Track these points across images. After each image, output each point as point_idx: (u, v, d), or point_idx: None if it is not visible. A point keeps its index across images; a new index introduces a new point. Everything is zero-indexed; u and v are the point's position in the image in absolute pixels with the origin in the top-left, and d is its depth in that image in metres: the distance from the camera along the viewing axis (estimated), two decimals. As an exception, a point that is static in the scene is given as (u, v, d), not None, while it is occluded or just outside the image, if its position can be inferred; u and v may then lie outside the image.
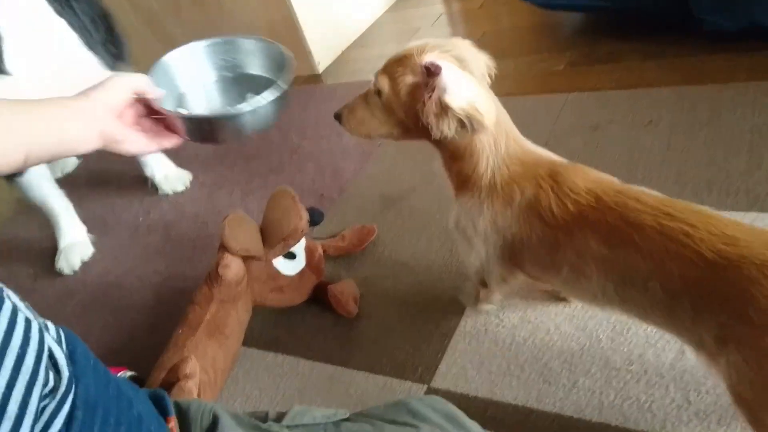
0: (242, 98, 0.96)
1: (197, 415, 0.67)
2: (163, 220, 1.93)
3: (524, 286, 1.16)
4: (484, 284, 1.13)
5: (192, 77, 1.07)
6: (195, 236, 1.82)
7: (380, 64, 0.98)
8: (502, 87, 0.97)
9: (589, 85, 1.76)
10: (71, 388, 0.48)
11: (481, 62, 0.95)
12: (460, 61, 0.92)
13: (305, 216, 1.31)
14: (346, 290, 1.35)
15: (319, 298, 1.39)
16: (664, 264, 0.78)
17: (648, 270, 0.80)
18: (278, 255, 1.33)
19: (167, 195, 2.04)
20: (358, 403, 1.14)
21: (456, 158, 0.97)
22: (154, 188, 2.07)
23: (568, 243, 0.88)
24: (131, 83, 0.85)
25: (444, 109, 0.85)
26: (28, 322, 0.47)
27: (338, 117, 1.05)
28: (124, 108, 0.84)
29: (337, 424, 0.70)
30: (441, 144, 0.97)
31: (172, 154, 2.10)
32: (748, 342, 0.72)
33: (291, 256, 1.36)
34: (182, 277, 1.68)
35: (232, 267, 1.26)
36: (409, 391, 1.13)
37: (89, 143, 0.81)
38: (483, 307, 1.22)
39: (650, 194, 0.85)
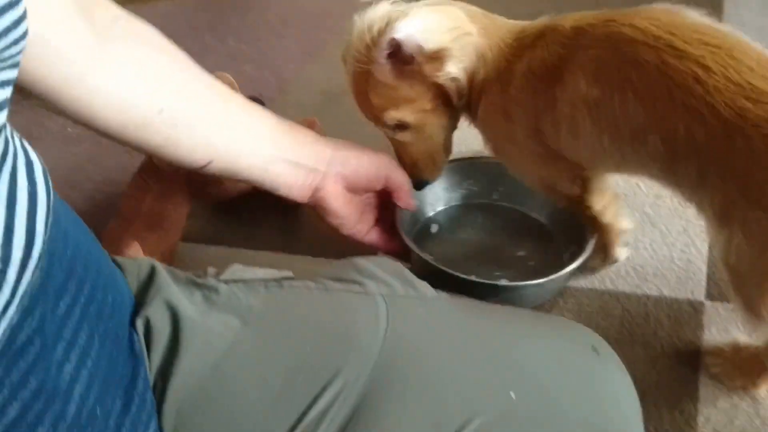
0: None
1: (134, 269, 0.64)
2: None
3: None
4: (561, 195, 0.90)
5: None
6: (129, 143, 1.74)
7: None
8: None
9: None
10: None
11: None
12: None
13: (243, 102, 1.25)
14: (287, 178, 1.31)
15: (261, 191, 1.35)
16: (666, 115, 0.65)
17: (647, 120, 0.67)
18: (215, 145, 1.28)
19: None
20: (303, 285, 1.13)
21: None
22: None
23: (563, 94, 0.74)
24: (390, 172, 0.86)
25: (434, 56, 0.76)
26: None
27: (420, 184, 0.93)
28: (362, 189, 0.86)
29: (279, 281, 0.67)
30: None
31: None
32: (756, 226, 0.63)
33: (229, 146, 1.31)
34: (117, 183, 1.61)
35: (167, 155, 1.20)
36: (355, 270, 1.12)
37: (295, 193, 0.84)
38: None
39: (653, 16, 0.68)
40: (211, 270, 0.71)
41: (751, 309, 0.68)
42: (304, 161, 0.81)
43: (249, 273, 0.68)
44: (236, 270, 0.68)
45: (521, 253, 0.99)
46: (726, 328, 0.84)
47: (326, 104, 1.58)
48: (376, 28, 0.76)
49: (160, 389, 0.56)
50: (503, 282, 0.86)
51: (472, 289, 0.88)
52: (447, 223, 1.06)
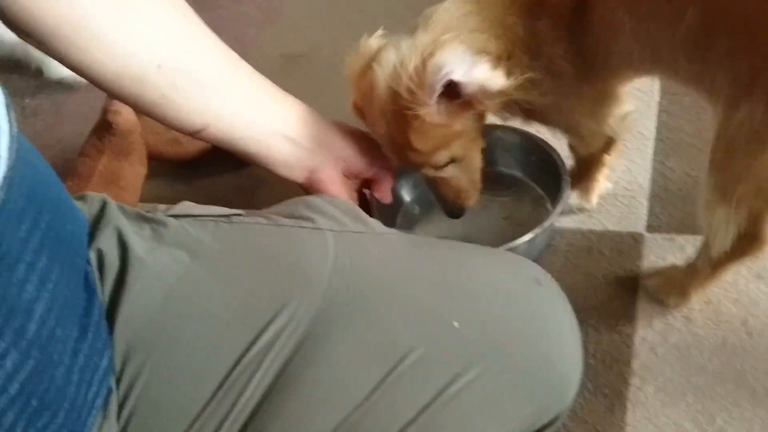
0: None
1: (86, 204, 0.63)
2: (51, 99, 1.82)
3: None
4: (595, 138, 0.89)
5: None
6: (87, 111, 1.73)
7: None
8: None
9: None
10: None
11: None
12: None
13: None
14: (245, 136, 1.32)
15: (220, 150, 1.35)
16: None
17: None
18: (171, 103, 1.28)
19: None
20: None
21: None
22: (38, 71, 1.93)
23: (594, 12, 0.73)
24: (383, 162, 0.83)
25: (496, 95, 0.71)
26: None
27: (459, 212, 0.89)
28: (354, 175, 0.83)
29: (229, 217, 0.66)
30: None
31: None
32: None
33: (186, 106, 1.31)
34: (75, 149, 1.60)
35: (122, 113, 1.20)
36: (312, 221, 1.13)
37: (294, 173, 0.80)
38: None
39: None
40: (161, 207, 0.70)
41: (723, 191, 0.70)
42: (305, 142, 0.78)
43: (198, 209, 0.68)
44: (186, 206, 0.68)
45: (504, 215, 1.00)
46: (663, 256, 0.88)
47: (285, 67, 1.59)
48: (412, 70, 0.69)
49: (109, 321, 0.56)
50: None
51: None
52: (428, 203, 1.02)
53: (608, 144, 0.89)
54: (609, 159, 0.92)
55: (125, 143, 1.25)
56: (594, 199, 0.97)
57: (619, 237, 0.92)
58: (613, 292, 0.85)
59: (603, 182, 0.96)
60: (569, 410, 0.74)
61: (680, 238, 0.89)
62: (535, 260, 0.92)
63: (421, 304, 0.60)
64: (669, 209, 0.93)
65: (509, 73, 0.72)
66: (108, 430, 0.53)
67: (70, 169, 1.27)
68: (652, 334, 0.80)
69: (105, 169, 1.22)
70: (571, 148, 0.92)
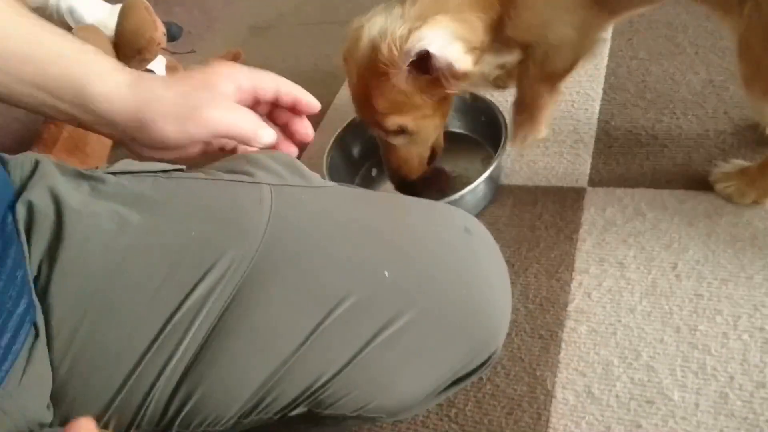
0: None
1: (17, 164, 0.62)
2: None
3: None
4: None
5: None
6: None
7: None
8: None
9: None
10: None
11: None
12: None
13: (161, 27, 1.27)
14: (208, 103, 1.33)
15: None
16: None
17: None
18: (138, 69, 1.29)
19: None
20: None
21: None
22: None
23: None
24: (278, 83, 0.69)
25: (460, 76, 0.79)
26: None
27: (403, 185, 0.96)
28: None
29: (168, 172, 0.65)
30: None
31: None
32: None
33: (151, 72, 1.33)
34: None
35: (85, 80, 1.22)
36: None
37: (116, 105, 0.59)
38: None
39: None
40: (102, 165, 0.68)
41: (762, 88, 0.76)
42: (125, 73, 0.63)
43: (137, 165, 0.65)
44: (126, 163, 0.66)
45: (456, 172, 1.04)
46: (603, 208, 0.91)
47: (252, 38, 1.61)
48: (398, 34, 0.77)
49: (46, 274, 0.55)
50: None
51: None
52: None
53: (573, 64, 0.90)
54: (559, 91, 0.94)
55: (90, 111, 1.26)
56: (544, 129, 0.98)
57: (563, 191, 0.96)
58: (554, 242, 0.89)
59: (549, 112, 0.97)
60: (505, 351, 0.79)
61: (619, 191, 0.92)
62: (480, 212, 0.97)
63: (354, 254, 0.61)
64: (611, 165, 0.97)
65: (477, 62, 0.80)
66: (35, 376, 0.53)
67: (35, 135, 1.28)
68: (587, 279, 0.84)
69: (70, 136, 1.23)
70: (528, 65, 0.92)
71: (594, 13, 0.83)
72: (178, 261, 0.57)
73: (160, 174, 0.64)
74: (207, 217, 0.60)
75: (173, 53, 1.41)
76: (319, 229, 0.62)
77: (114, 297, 0.56)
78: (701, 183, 0.90)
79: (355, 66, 0.84)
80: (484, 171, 1.02)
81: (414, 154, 0.94)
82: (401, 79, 0.80)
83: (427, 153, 0.95)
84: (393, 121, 0.86)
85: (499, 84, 1.17)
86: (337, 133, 1.08)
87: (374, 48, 0.80)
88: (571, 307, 0.81)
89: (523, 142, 0.99)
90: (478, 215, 0.96)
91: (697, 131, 0.97)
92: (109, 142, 1.34)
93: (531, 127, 0.98)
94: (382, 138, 0.93)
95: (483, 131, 1.06)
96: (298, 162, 0.70)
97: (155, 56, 1.29)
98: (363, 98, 0.86)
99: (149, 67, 1.31)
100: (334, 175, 1.02)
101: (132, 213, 0.59)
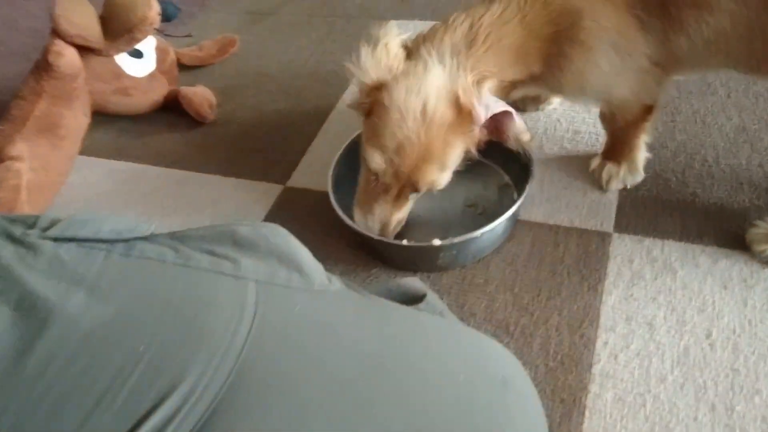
0: None
1: None
2: (-9, 34, 1.67)
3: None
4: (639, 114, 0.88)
5: None
6: (30, 51, 1.59)
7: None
8: None
9: None
10: None
11: None
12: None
13: (156, 6, 1.16)
14: (199, 93, 1.23)
15: (171, 106, 1.26)
16: None
17: None
18: (123, 50, 1.18)
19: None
20: (211, 203, 1.07)
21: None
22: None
23: None
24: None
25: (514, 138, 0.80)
26: None
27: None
28: None
29: (129, 244, 0.50)
30: None
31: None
32: None
33: (138, 54, 1.21)
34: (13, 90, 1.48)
35: (66, 55, 1.10)
36: (266, 191, 1.07)
37: None
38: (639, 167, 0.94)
39: None
40: (44, 219, 0.52)
41: None
42: None
43: (90, 229, 0.51)
44: (73, 223, 0.51)
45: (468, 203, 0.96)
46: (631, 258, 0.85)
47: (250, 25, 1.50)
48: (466, 86, 0.75)
49: None
50: (436, 242, 0.82)
51: (408, 255, 0.87)
52: None
53: (646, 111, 0.87)
54: (648, 125, 0.89)
55: (67, 88, 1.14)
56: (641, 170, 0.93)
57: (587, 234, 0.89)
58: (577, 292, 0.82)
59: (643, 152, 0.93)
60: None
61: (648, 241, 0.86)
62: (497, 249, 0.89)
63: (354, 392, 0.47)
64: (639, 209, 0.90)
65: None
66: None
67: (3, 111, 1.16)
68: (614, 338, 0.77)
69: (42, 114, 1.11)
70: (604, 117, 0.91)
71: (653, 76, 0.79)
72: (122, 381, 0.42)
73: (118, 246, 0.49)
74: (167, 322, 0.46)
75: (167, 35, 1.29)
76: (312, 352, 0.48)
77: (25, 427, 0.41)
78: (736, 241, 0.84)
79: (417, 118, 0.76)
80: (500, 199, 0.95)
81: (400, 220, 0.88)
82: (474, 131, 0.78)
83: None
84: (444, 176, 0.81)
85: (518, 106, 1.10)
86: (346, 144, 0.99)
87: (446, 100, 0.75)
88: (596, 369, 0.74)
89: (617, 186, 0.94)
90: (495, 253, 0.89)
91: (731, 182, 0.92)
92: (85, 123, 1.22)
93: (627, 171, 0.93)
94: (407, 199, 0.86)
95: (498, 155, 0.98)
96: (297, 245, 0.55)
97: (146, 36, 1.17)
98: (415, 157, 0.78)
99: (138, 47, 1.20)
100: (338, 192, 0.93)
101: (67, 306, 0.44)
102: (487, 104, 0.75)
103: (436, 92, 0.75)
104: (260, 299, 0.48)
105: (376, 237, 0.84)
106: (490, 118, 0.77)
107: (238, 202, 1.06)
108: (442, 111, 0.75)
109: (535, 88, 0.85)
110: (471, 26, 0.77)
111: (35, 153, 1.10)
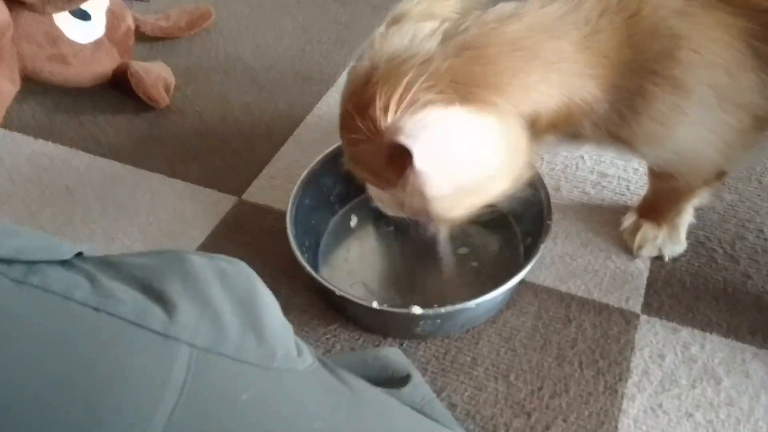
0: None
1: None
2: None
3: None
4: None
5: None
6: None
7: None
8: None
9: None
10: None
11: None
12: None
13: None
14: (154, 71, 1.02)
15: (122, 84, 1.06)
16: None
17: None
18: (63, 8, 0.97)
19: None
20: (146, 208, 0.86)
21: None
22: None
23: None
24: None
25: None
26: None
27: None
28: None
29: (32, 267, 0.35)
30: None
31: None
32: None
33: (84, 16, 1.00)
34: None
35: (-13, 7, 0.89)
36: (216, 202, 0.86)
37: None
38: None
39: None
40: None
41: None
42: None
43: None
44: None
45: (463, 251, 0.77)
46: (662, 353, 0.66)
47: (230, -3, 1.29)
48: (393, 107, 0.52)
49: None
50: (416, 309, 0.63)
51: (379, 320, 0.69)
52: (368, 215, 0.81)
53: (718, 175, 0.68)
54: (707, 188, 0.71)
55: (-9, 48, 0.94)
56: (683, 239, 0.74)
57: (607, 312, 0.70)
58: (590, 393, 0.63)
59: (689, 217, 0.75)
60: None
61: (685, 332, 0.67)
62: (492, 319, 0.70)
63: None
64: (675, 287, 0.72)
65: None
66: None
67: None
68: (634, 465, 0.59)
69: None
70: (661, 174, 0.69)
71: (753, 136, 0.58)
72: None
73: (14, 268, 0.34)
74: (49, 399, 0.32)
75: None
76: None
77: None
78: (798, 345, 0.66)
79: (346, 96, 0.58)
80: (500, 255, 0.76)
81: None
82: (377, 147, 0.54)
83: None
84: (368, 183, 0.63)
85: None
86: (319, 158, 0.79)
87: (368, 86, 0.53)
88: None
89: (651, 254, 0.74)
90: (489, 323, 0.70)
91: (792, 264, 0.74)
92: (11, 94, 1.01)
93: (667, 238, 0.74)
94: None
95: (511, 205, 0.79)
96: (263, 294, 0.41)
97: (93, -6, 0.97)
98: (344, 140, 0.60)
99: (84, 7, 0.99)
100: (300, 226, 0.73)
101: None
102: (397, 127, 0.51)
103: (368, 68, 0.53)
104: (193, 376, 0.34)
105: (338, 292, 0.64)
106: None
107: (179, 210, 0.86)
108: (354, 91, 0.54)
109: (575, 140, 0.63)
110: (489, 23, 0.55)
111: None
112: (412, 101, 0.50)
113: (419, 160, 0.50)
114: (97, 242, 0.83)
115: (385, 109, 0.50)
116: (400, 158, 0.52)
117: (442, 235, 0.70)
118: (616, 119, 0.56)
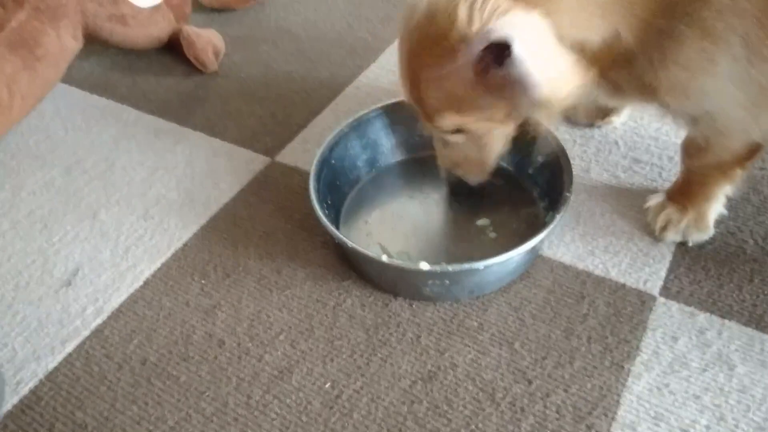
0: None
1: None
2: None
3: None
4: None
5: None
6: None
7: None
8: None
9: None
10: None
11: None
12: None
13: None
14: (205, 36, 1.06)
15: (176, 48, 1.10)
16: None
17: None
18: (126, -29, 1.02)
19: None
20: (184, 162, 0.90)
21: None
22: None
23: None
24: None
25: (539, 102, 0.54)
26: None
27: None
28: None
29: None
30: None
31: None
32: None
33: (145, -20, 1.05)
34: None
35: (54, -39, 0.94)
36: (250, 161, 0.89)
37: None
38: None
39: None
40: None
41: None
42: None
43: None
44: None
45: (483, 222, 0.77)
46: (675, 335, 0.64)
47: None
48: (477, 16, 0.52)
49: None
50: (423, 265, 0.63)
51: (387, 274, 0.69)
52: (397, 180, 0.84)
53: (750, 151, 0.65)
54: (740, 173, 0.68)
55: (55, 4, 1.00)
56: (710, 227, 0.72)
57: (623, 292, 0.68)
58: (595, 367, 0.62)
59: (719, 205, 0.72)
60: None
61: (702, 317, 0.65)
62: (503, 288, 0.70)
63: None
64: (698, 273, 0.69)
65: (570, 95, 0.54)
66: None
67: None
68: (631, 440, 0.57)
69: (20, 26, 0.96)
70: (691, 147, 0.68)
71: None
72: None
73: None
74: None
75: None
76: None
77: None
78: (822, 341, 0.63)
79: (408, 35, 0.58)
80: (526, 229, 0.75)
81: (473, 158, 0.69)
82: (464, 67, 0.54)
83: (490, 161, 0.70)
84: (448, 121, 0.62)
85: (569, 117, 0.89)
86: (348, 122, 0.81)
87: (438, 12, 0.53)
88: (598, 480, 0.55)
89: (674, 238, 0.73)
90: (500, 291, 0.69)
91: (827, 262, 0.70)
92: (73, 48, 1.07)
93: (692, 223, 0.72)
94: (434, 134, 0.69)
95: (534, 173, 0.79)
96: None
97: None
98: (412, 82, 0.60)
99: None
100: (324, 183, 0.74)
101: None
102: (490, 29, 0.51)
103: (432, 5, 0.53)
104: None
105: (349, 244, 0.65)
106: (487, 51, 0.52)
107: (214, 166, 0.89)
108: (426, 28, 0.54)
109: (606, 84, 0.61)
110: None
111: (3, 68, 0.95)
112: (494, 7, 0.50)
113: (518, 49, 0.49)
114: (135, 189, 0.86)
115: (470, 19, 0.51)
116: (487, 73, 0.53)
117: (544, 123, 0.67)
118: (643, 62, 0.55)
